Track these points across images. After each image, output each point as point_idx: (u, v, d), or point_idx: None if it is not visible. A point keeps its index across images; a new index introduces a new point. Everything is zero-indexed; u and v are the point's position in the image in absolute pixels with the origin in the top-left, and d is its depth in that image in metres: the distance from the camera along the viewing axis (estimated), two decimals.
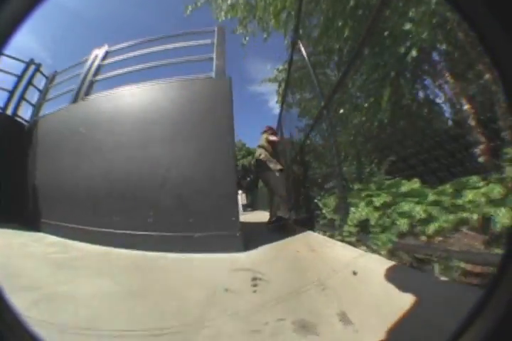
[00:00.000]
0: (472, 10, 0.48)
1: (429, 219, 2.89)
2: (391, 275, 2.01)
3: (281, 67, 12.21)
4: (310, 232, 5.35)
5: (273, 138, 6.32)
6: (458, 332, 0.50)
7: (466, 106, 4.84)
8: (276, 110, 10.90)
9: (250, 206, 22.97)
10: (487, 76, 3.98)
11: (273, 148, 6.30)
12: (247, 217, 12.12)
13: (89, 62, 6.34)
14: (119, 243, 4.15)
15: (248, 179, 33.50)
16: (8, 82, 7.08)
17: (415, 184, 3.84)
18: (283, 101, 9.84)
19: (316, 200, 6.07)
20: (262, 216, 11.80)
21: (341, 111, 6.47)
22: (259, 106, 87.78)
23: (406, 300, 1.54)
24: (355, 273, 2.31)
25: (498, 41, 0.46)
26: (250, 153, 41.13)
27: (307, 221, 6.55)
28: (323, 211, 5.35)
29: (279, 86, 12.19)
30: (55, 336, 1.49)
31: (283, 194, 6.08)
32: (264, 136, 6.41)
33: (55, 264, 3.07)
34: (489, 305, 0.48)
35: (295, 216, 8.47)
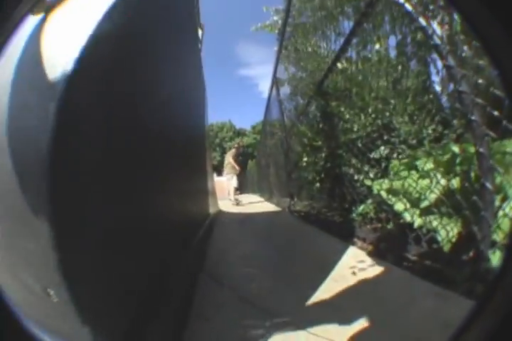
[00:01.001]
0: (472, 9, 0.45)
1: None
2: None
3: (280, 7, 9.10)
4: (353, 250, 2.30)
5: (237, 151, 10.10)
6: (459, 332, 0.46)
7: None
8: (266, 94, 9.53)
9: (239, 189, 20.47)
10: None
11: (237, 156, 9.91)
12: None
13: None
14: None
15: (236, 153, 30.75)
16: None
17: None
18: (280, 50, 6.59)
19: (365, 182, 3.05)
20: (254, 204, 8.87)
21: None
22: (250, 89, 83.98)
23: None
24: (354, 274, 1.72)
25: (498, 41, 0.42)
26: (239, 134, 38.14)
27: (332, 219, 3.58)
28: (396, 207, 2.29)
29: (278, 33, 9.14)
30: None
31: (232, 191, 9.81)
32: (233, 150, 10.11)
33: None
34: (490, 306, 0.43)
35: (301, 206, 5.47)
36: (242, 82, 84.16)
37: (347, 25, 3.11)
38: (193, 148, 2.86)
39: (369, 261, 1.99)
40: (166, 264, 1.27)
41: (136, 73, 1.06)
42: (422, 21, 1.79)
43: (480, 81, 1.69)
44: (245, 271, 2.11)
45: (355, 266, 1.94)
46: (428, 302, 1.34)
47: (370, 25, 2.97)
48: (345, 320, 1.29)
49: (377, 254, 2.11)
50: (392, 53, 3.12)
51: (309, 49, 4.60)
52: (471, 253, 1.51)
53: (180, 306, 1.36)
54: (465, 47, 2.26)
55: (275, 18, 9.81)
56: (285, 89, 6.68)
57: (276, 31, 9.94)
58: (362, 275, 1.78)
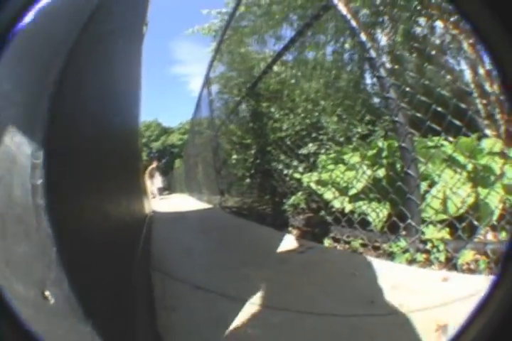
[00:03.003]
0: (472, 8, 0.44)
1: None
2: None
3: (224, 10, 8.93)
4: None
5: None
6: (459, 333, 0.45)
7: None
8: (195, 93, 8.56)
9: (167, 189, 19.55)
10: None
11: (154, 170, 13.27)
12: (164, 204, 8.70)
13: None
14: None
15: (163, 161, 29.51)
16: None
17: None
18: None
19: (295, 176, 3.16)
20: (185, 203, 8.56)
21: None
22: (180, 87, 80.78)
23: None
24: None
25: (498, 40, 0.41)
26: (165, 132, 36.80)
27: (265, 212, 3.65)
28: (326, 196, 2.41)
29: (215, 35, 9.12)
30: None
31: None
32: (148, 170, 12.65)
33: None
34: (490, 306, 0.43)
35: (232, 202, 5.48)
36: (172, 80, 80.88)
37: (285, 31, 3.24)
38: (129, 148, 2.68)
39: (307, 244, 2.06)
40: (120, 264, 1.17)
41: (79, 71, 0.95)
42: (363, 37, 1.93)
43: (408, 89, 1.91)
44: (191, 262, 2.04)
45: (294, 249, 2.00)
46: (371, 271, 1.44)
47: (311, 34, 3.12)
48: (300, 292, 1.32)
49: (313, 239, 2.20)
50: (328, 60, 3.31)
51: (244, 51, 4.64)
52: (402, 230, 1.67)
53: (145, 301, 1.27)
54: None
55: (215, 21, 9.66)
56: (218, 89, 6.60)
57: (213, 33, 9.79)
58: (303, 257, 1.84)
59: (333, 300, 1.22)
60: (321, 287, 1.35)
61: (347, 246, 1.91)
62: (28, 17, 0.52)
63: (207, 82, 7.16)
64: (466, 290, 1.10)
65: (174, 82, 79.43)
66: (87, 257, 0.69)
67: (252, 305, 1.24)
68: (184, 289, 1.53)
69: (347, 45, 3.20)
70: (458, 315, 0.97)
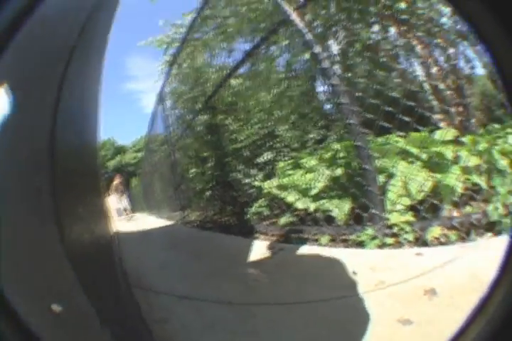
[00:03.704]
0: (472, 9, 0.45)
1: None
2: None
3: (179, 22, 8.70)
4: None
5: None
6: (459, 333, 0.45)
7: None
8: (149, 109, 8.21)
9: (126, 209, 18.37)
10: None
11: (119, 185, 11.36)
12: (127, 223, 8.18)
13: None
14: None
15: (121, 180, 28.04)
16: None
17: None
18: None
19: (255, 184, 3.18)
20: (147, 222, 8.13)
21: None
22: (132, 104, 76.89)
23: None
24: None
25: (499, 40, 0.41)
26: (120, 150, 35.10)
27: (229, 222, 3.62)
28: (288, 199, 2.45)
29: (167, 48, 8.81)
30: None
31: None
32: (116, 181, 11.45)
33: None
34: (490, 306, 0.42)
35: (194, 216, 5.37)
36: (123, 97, 77.03)
37: (239, 44, 3.31)
38: (90, 167, 2.54)
39: (277, 246, 2.07)
40: (105, 284, 1.10)
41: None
42: (317, 48, 2.04)
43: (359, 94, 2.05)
44: (168, 276, 1.96)
45: (265, 253, 2.00)
46: (346, 260, 1.49)
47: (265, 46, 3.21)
48: (284, 286, 1.34)
49: (281, 241, 2.22)
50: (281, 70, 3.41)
51: (199, 65, 4.63)
52: (367, 220, 1.76)
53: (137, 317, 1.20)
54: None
55: (170, 33, 9.40)
56: (172, 105, 6.48)
57: (165, 46, 9.55)
58: (277, 258, 1.85)
59: (317, 288, 1.27)
60: (303, 279, 1.39)
61: (316, 242, 1.95)
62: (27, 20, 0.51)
63: (161, 97, 7.01)
64: (441, 259, 1.21)
65: (126, 98, 76.04)
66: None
67: (242, 306, 1.24)
68: (169, 301, 1.47)
69: (299, 56, 3.33)
70: (440, 280, 1.07)
